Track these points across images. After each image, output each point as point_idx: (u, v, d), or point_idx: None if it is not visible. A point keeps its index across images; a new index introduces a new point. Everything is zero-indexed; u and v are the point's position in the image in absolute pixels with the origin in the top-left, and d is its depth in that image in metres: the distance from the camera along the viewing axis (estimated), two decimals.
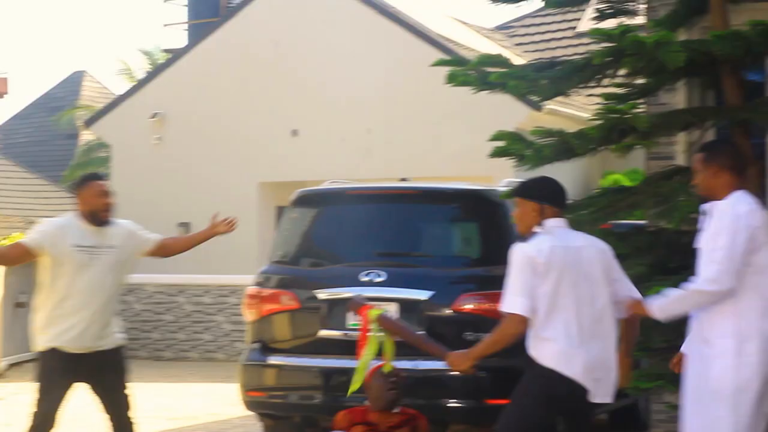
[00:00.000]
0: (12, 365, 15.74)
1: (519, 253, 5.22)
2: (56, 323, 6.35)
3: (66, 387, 6.38)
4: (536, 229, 5.30)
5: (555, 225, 5.30)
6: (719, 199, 5.14)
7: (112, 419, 6.52)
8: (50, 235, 6.41)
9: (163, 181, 18.88)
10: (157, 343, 16.69)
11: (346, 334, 7.54)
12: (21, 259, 6.62)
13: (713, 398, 5.03)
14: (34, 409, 6.38)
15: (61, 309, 6.33)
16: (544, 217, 5.30)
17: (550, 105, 15.97)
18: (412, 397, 7.03)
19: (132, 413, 6.54)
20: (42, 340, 6.41)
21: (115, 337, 6.53)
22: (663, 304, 5.16)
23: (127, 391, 6.54)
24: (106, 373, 6.46)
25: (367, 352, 5.90)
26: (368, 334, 5.89)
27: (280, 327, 7.92)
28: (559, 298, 5.16)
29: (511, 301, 5.17)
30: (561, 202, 5.39)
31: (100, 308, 6.40)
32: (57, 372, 6.32)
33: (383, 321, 5.93)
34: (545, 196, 5.33)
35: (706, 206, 5.22)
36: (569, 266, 5.19)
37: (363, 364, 5.92)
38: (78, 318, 6.33)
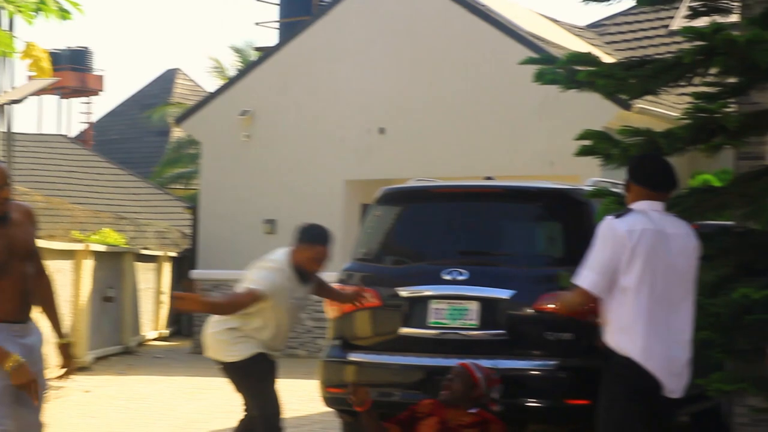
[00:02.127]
0: (98, 359, 15.98)
1: (608, 229, 5.13)
2: (256, 338, 6.79)
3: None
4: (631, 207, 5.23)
5: (649, 207, 5.20)
6: None
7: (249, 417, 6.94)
8: (277, 288, 6.71)
9: (250, 178, 19.01)
10: None
11: (427, 332, 7.51)
12: (248, 307, 6.76)
13: None
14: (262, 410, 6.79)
15: (261, 329, 6.78)
16: (639, 197, 5.23)
17: (639, 104, 15.75)
18: None
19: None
20: (248, 347, 6.76)
21: None
22: None
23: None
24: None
25: None
26: None
27: (361, 324, 7.92)
28: (642, 286, 5.07)
29: (584, 275, 5.11)
30: (655, 183, 5.26)
31: (289, 332, 7.01)
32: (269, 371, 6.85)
33: None
34: (637, 177, 5.27)
35: None
36: (657, 253, 5.09)
37: None
38: (281, 344, 6.97)
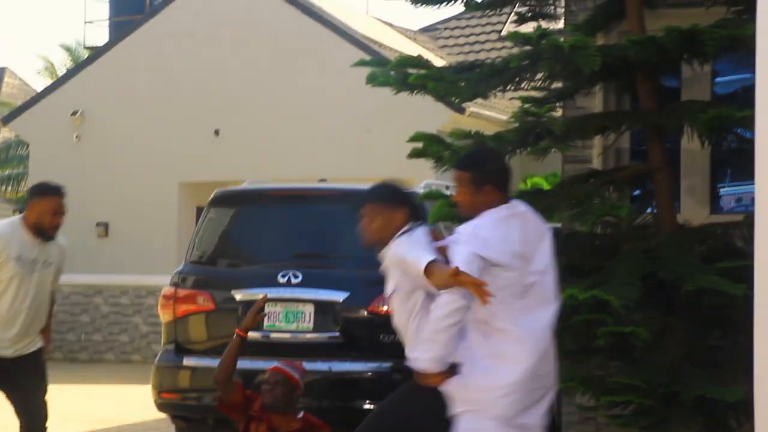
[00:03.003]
0: None
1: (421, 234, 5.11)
2: None
3: None
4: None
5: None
6: None
7: (24, 426, 6.43)
8: None
9: (82, 180, 18.60)
10: (73, 344, 16.42)
11: (261, 335, 7.48)
12: None
13: None
14: None
15: None
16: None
17: (472, 108, 16.02)
18: (327, 399, 7.02)
19: (46, 422, 6.47)
20: None
21: (36, 340, 6.57)
22: None
23: (45, 398, 6.51)
24: (27, 377, 6.44)
25: None
26: None
27: (195, 328, 7.84)
28: None
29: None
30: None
31: (34, 318, 6.46)
32: None
33: None
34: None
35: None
36: None
37: None
38: (13, 327, 6.36)
